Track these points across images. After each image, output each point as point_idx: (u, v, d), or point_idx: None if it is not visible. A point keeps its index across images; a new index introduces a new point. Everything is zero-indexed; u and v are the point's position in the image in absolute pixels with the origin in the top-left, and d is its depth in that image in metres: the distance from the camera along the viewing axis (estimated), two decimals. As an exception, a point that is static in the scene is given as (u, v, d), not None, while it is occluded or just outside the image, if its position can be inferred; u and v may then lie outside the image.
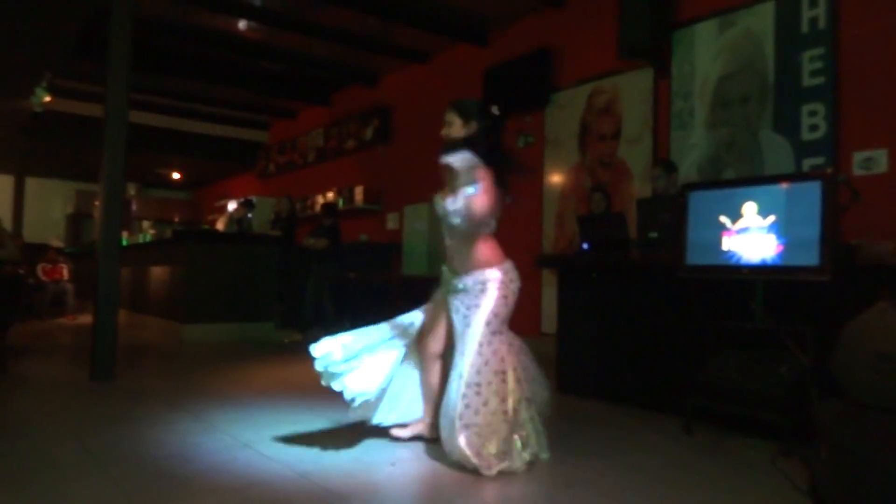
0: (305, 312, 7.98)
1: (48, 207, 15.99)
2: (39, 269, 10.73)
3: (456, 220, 2.91)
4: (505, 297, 2.97)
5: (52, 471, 2.69)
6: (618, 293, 4.36)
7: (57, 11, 6.34)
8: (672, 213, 4.07)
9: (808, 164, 4.94)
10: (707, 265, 3.47)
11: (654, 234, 4.21)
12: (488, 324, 2.92)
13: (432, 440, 3.12)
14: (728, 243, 3.37)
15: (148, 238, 9.68)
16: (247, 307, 8.00)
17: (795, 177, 3.97)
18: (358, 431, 3.38)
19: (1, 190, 13.96)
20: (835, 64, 4.83)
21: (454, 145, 2.98)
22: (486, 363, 2.86)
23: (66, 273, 11.00)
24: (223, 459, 2.88)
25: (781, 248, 3.19)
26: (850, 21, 4.81)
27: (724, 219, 3.40)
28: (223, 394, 4.38)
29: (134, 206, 15.22)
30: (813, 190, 3.13)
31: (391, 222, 9.28)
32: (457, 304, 3.00)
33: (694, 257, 3.52)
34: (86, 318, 8.95)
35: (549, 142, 7.06)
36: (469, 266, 3.00)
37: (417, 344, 3.22)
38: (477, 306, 2.94)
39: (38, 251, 11.12)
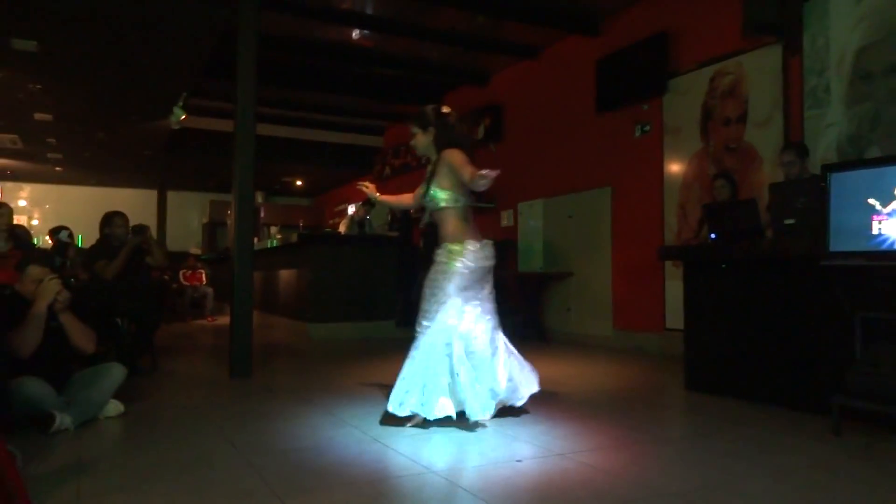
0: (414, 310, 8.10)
1: (186, 218, 17.26)
2: (181, 274, 11.65)
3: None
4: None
5: (201, 461, 2.88)
6: (751, 285, 4.11)
7: (191, 35, 6.82)
8: (810, 198, 3.79)
9: (969, 137, 4.44)
10: (854, 251, 3.20)
11: (790, 221, 3.94)
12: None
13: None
14: (879, 227, 3.09)
15: (275, 243, 10.23)
16: (368, 306, 8.27)
17: (956, 151, 3.58)
18: (479, 427, 3.40)
19: (147, 203, 15.22)
20: None
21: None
22: None
23: (204, 278, 11.87)
24: (354, 453, 2.97)
25: (943, 230, 2.89)
26: None
27: (872, 201, 3.12)
28: (350, 390, 4.54)
29: (262, 214, 16.10)
30: (980, 164, 2.80)
31: (505, 219, 9.25)
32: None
33: (838, 244, 3.25)
34: (223, 320, 9.58)
35: (669, 130, 6.77)
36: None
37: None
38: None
39: (180, 258, 12.06)
